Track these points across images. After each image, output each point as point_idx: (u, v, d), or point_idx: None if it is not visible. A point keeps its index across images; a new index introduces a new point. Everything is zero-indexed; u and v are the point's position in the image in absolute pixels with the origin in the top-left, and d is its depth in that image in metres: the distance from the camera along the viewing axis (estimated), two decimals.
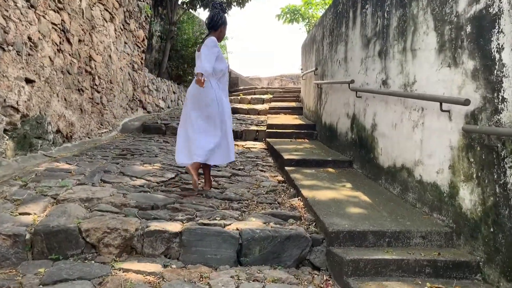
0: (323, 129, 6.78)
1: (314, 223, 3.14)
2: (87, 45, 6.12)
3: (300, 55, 11.46)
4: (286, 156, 5.12)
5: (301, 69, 10.72)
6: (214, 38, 3.84)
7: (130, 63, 7.89)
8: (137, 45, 8.18)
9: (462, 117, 2.84)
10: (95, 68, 6.42)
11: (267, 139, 6.99)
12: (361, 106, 4.92)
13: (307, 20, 11.53)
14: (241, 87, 17.07)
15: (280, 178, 4.74)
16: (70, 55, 5.67)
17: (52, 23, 5.19)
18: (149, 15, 8.66)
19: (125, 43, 7.56)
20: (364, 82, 4.81)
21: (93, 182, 3.72)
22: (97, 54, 6.45)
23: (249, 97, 13.14)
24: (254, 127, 7.93)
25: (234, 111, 10.53)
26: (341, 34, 5.95)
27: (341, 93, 5.76)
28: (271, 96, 13.05)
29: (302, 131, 7.31)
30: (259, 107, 11.12)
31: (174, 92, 10.93)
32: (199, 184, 3.78)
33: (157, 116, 8.85)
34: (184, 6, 11.74)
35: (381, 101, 4.28)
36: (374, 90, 4.43)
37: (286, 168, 4.82)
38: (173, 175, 4.28)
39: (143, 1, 8.27)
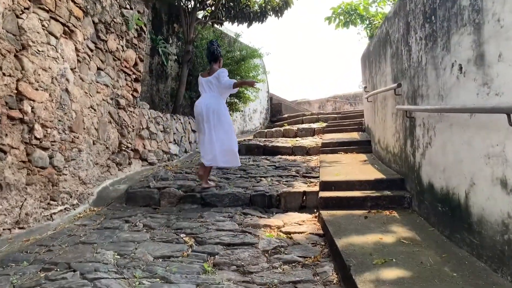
0: (425, 193, 3.74)
1: None
2: (10, 75, 3.66)
3: (361, 68, 8.52)
4: None
5: (365, 87, 7.74)
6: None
7: (111, 98, 5.38)
8: (124, 72, 5.69)
9: None
10: (31, 111, 3.93)
11: (322, 211, 4.03)
12: None
13: (367, 22, 8.59)
14: (286, 115, 14.27)
15: None
16: None
17: None
18: (144, 30, 6.18)
19: (99, 69, 5.08)
20: None
21: None
22: (35, 89, 3.97)
23: (295, 127, 10.29)
24: (299, 185, 4.98)
25: (275, 151, 7.73)
26: (453, 14, 3.02)
27: (475, 131, 2.77)
28: (324, 125, 10.12)
29: (383, 193, 4.25)
30: (307, 142, 8.22)
31: (194, 131, 8.25)
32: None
33: (161, 169, 6.20)
34: (206, 19, 9.29)
35: None
36: None
37: None
38: None
39: (132, 9, 5.81)
